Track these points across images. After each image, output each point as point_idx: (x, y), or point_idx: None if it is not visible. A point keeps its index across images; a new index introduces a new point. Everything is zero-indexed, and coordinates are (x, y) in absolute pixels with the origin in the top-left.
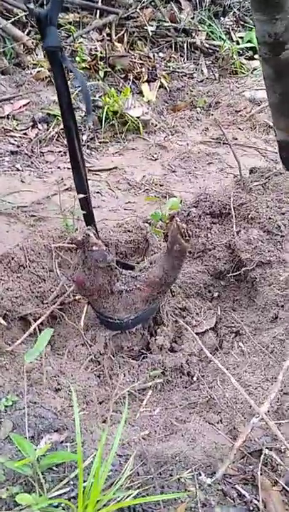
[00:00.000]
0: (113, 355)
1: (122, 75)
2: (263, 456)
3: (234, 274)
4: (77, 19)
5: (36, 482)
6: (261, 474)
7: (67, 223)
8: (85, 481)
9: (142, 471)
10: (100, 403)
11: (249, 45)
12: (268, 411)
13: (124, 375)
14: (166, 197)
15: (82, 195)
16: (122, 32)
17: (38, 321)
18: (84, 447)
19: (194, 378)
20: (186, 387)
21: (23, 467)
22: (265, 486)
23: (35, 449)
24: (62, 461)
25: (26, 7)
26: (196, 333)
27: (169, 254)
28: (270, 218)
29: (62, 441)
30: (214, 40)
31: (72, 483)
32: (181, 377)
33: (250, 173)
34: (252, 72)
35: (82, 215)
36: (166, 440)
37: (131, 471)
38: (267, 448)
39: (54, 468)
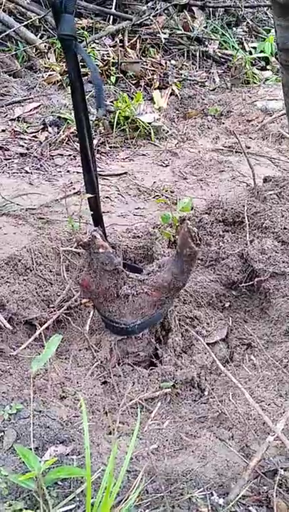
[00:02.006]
0: (119, 363)
1: (134, 81)
2: (278, 476)
3: (247, 284)
4: (91, 24)
5: (41, 497)
6: (276, 496)
7: (72, 224)
8: (91, 498)
9: (151, 489)
10: (107, 413)
11: (262, 55)
12: (283, 429)
13: (133, 384)
14: (176, 203)
15: (90, 195)
16: (135, 38)
17: (44, 326)
18: (90, 461)
19: (206, 393)
20: (194, 400)
21: (28, 481)
22: (280, 509)
23: (40, 462)
24: (69, 476)
25: None
26: (207, 344)
27: (178, 258)
28: (285, 228)
29: (68, 454)
30: (227, 49)
31: (78, 499)
32: (190, 389)
33: (264, 182)
34: (264, 83)
35: (91, 215)
36: (175, 456)
37: (140, 488)
38: (282, 468)
39: (59, 482)
